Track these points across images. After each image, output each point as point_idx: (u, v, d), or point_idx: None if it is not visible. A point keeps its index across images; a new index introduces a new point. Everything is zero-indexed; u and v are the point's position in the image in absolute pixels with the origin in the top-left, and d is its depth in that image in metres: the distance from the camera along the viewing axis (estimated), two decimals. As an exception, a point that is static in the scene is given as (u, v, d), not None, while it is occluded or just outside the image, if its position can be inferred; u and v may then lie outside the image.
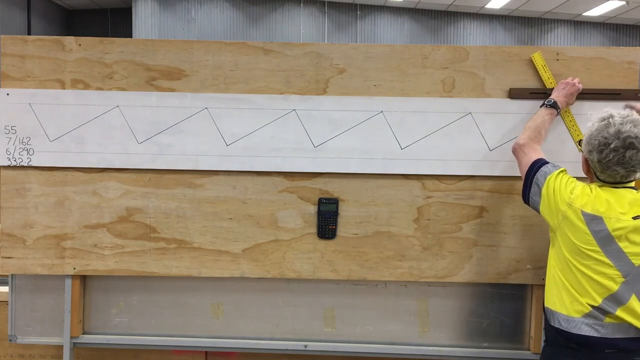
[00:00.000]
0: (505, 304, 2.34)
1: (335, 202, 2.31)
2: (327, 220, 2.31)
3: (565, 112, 2.22)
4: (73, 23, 14.82)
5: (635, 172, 1.78)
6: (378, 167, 2.29)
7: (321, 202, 2.31)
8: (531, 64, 2.26)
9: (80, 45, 2.30)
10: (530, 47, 2.28)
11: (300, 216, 2.33)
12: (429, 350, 2.37)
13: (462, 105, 2.27)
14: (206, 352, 2.57)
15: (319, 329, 2.41)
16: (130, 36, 11.22)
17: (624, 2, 12.30)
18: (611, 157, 1.76)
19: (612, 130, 1.75)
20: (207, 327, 2.43)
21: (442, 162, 2.28)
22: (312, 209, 2.32)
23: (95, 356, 2.55)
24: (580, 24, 14.11)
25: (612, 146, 1.75)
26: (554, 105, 2.13)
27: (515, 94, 2.25)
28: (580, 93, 2.19)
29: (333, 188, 2.32)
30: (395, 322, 2.39)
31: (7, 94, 2.31)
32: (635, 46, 2.80)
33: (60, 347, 2.42)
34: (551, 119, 2.13)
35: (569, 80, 2.18)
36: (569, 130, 2.22)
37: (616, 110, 1.80)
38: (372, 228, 2.32)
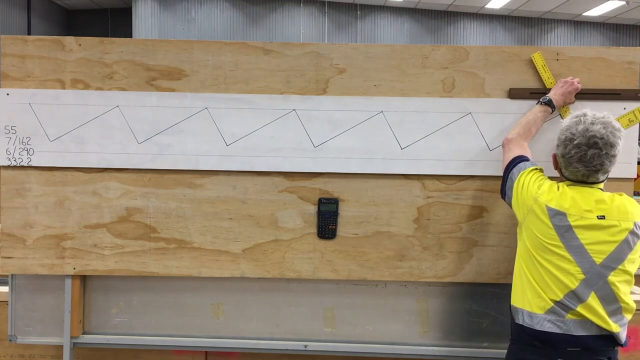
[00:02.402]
0: (505, 304, 2.33)
1: (335, 202, 2.31)
2: (327, 220, 2.30)
3: (565, 111, 2.22)
4: (73, 23, 14.82)
5: (596, 172, 1.79)
6: (378, 167, 2.29)
7: (321, 202, 2.31)
8: (531, 64, 2.26)
9: (80, 45, 2.30)
10: (530, 47, 2.28)
11: (300, 216, 2.32)
12: (429, 350, 2.37)
13: (462, 105, 2.27)
14: (206, 352, 2.57)
15: (319, 329, 2.41)
16: (130, 36, 11.22)
17: (624, 2, 12.31)
18: (573, 153, 1.79)
19: (580, 127, 1.78)
20: (207, 327, 2.43)
21: (442, 162, 2.28)
22: (312, 209, 2.32)
23: (95, 356, 2.55)
24: (580, 24, 14.12)
25: (575, 142, 1.78)
26: (548, 103, 2.14)
27: (515, 94, 2.25)
28: (580, 93, 2.20)
29: (333, 188, 2.32)
30: (395, 322, 2.39)
31: (7, 94, 2.31)
32: (635, 46, 2.79)
33: (60, 347, 2.42)
34: (544, 116, 2.15)
35: (568, 79, 2.18)
36: (569, 130, 2.22)
37: (593, 111, 1.82)
38: (372, 228, 2.32)
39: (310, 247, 2.33)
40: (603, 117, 1.79)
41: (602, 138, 1.75)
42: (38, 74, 2.32)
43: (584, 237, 1.76)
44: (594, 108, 1.86)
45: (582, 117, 1.80)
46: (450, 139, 2.27)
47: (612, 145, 1.76)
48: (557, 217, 1.79)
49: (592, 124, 1.77)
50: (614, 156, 1.78)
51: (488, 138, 2.26)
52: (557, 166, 1.93)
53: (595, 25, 14.19)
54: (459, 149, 2.27)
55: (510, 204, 1.99)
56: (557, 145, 1.86)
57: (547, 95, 2.17)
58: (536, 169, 1.95)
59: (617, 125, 1.79)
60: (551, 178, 1.93)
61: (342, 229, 2.32)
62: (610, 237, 1.75)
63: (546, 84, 2.24)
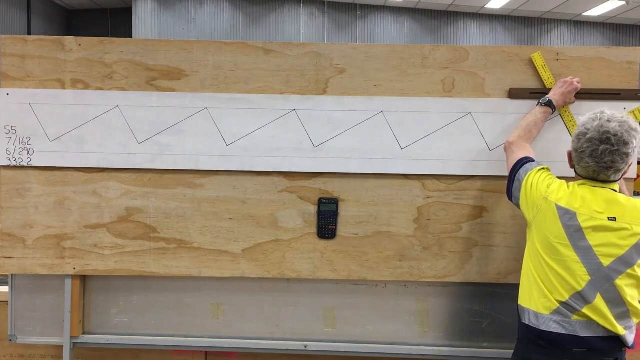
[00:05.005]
0: (505, 304, 2.34)
1: (335, 202, 2.31)
2: (327, 220, 2.30)
3: (565, 111, 2.22)
4: (73, 23, 14.82)
5: (607, 169, 1.77)
6: (378, 167, 2.28)
7: (321, 202, 2.31)
8: (531, 64, 2.26)
9: (80, 45, 2.31)
10: (530, 47, 2.28)
11: (300, 216, 2.32)
12: (429, 350, 2.37)
13: (462, 105, 2.27)
14: (206, 352, 2.57)
15: (319, 329, 2.41)
16: (130, 36, 11.23)
17: (624, 2, 12.31)
18: (585, 147, 1.78)
19: (595, 123, 1.77)
20: (207, 327, 2.43)
21: (442, 162, 2.28)
22: (312, 209, 2.32)
23: (95, 356, 2.55)
24: (580, 24, 14.11)
25: (588, 136, 1.77)
26: (548, 104, 2.14)
27: (515, 94, 2.25)
28: (580, 93, 2.20)
29: (333, 188, 2.32)
30: (395, 322, 2.39)
31: (7, 94, 2.31)
32: (635, 46, 2.80)
33: (60, 347, 2.42)
34: (545, 117, 2.14)
35: (568, 79, 2.18)
36: (568, 130, 2.22)
37: (612, 110, 1.81)
38: (372, 228, 2.32)
39: (310, 247, 2.33)
40: (621, 117, 1.77)
41: (615, 135, 1.73)
42: (38, 74, 2.32)
43: (592, 238, 1.75)
44: (593, 108, 1.86)
45: (599, 114, 1.79)
46: (450, 139, 2.27)
47: (625, 143, 1.74)
48: (567, 216, 1.78)
49: (609, 121, 1.75)
50: (626, 154, 1.75)
51: (488, 138, 2.26)
52: (572, 164, 1.91)
53: (595, 25, 14.18)
54: (459, 149, 2.27)
55: (518, 205, 1.98)
56: (572, 141, 1.85)
57: (547, 96, 2.17)
58: (543, 168, 1.94)
59: (635, 125, 1.77)
60: (563, 178, 1.92)
61: (342, 229, 2.32)
62: (621, 241, 1.73)
63: (546, 84, 2.24)
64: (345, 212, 2.32)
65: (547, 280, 1.81)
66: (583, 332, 1.75)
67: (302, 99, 2.29)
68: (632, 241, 1.73)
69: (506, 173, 2.04)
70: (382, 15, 13.87)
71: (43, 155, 2.32)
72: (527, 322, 1.85)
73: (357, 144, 2.28)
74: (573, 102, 2.21)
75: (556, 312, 1.78)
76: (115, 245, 2.35)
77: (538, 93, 2.22)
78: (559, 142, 2.22)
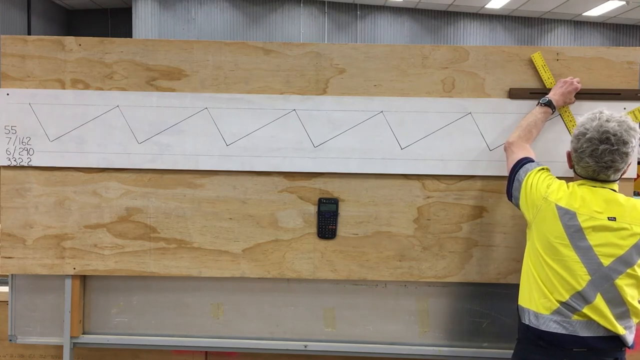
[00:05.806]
0: (505, 304, 2.34)
1: (335, 202, 2.31)
2: (327, 220, 2.31)
3: (565, 111, 2.22)
4: (73, 23, 14.83)
5: (607, 169, 1.78)
6: (378, 167, 2.29)
7: (321, 202, 2.31)
8: (531, 64, 2.26)
9: (80, 45, 2.31)
10: (530, 47, 2.28)
11: (300, 216, 2.33)
12: (429, 350, 2.37)
13: (462, 105, 2.27)
14: (206, 352, 2.57)
15: (319, 329, 2.41)
16: (130, 36, 11.23)
17: (624, 2, 12.31)
18: (585, 147, 1.78)
19: (595, 123, 1.78)
20: (207, 327, 2.43)
21: (442, 162, 2.28)
22: (312, 209, 2.32)
23: (95, 356, 2.55)
24: (580, 24, 14.12)
25: (587, 136, 1.78)
26: (548, 104, 2.14)
27: (515, 94, 2.25)
28: (580, 93, 2.20)
29: (333, 188, 2.32)
30: (395, 322, 2.39)
31: (7, 94, 2.31)
32: (635, 46, 2.80)
33: (60, 347, 2.42)
34: (545, 117, 2.14)
35: (567, 79, 2.18)
36: (568, 130, 2.22)
37: (611, 111, 1.81)
38: (372, 228, 2.32)
39: (310, 247, 2.33)
40: (620, 117, 1.78)
41: (615, 134, 1.74)
42: (38, 74, 2.32)
43: (592, 238, 1.75)
44: (593, 108, 1.86)
45: (598, 114, 1.80)
46: (450, 139, 2.27)
47: (624, 143, 1.75)
48: (567, 217, 1.78)
49: (607, 121, 1.76)
50: (625, 154, 1.76)
51: (488, 138, 2.26)
52: (571, 164, 1.92)
53: (595, 25, 14.19)
54: (459, 149, 2.27)
55: (517, 206, 1.98)
56: (571, 141, 1.86)
57: (547, 96, 2.17)
58: (543, 168, 1.95)
59: (633, 125, 1.78)
60: (563, 178, 1.93)
61: (342, 229, 2.32)
62: (620, 241, 1.73)
63: (546, 84, 2.24)
64: (345, 212, 2.32)
65: (547, 280, 1.81)
66: (583, 332, 1.75)
67: (302, 99, 2.29)
68: (632, 241, 1.73)
69: (506, 173, 2.04)
70: (382, 15, 13.88)
71: (43, 155, 2.32)
72: (527, 322, 1.85)
73: (357, 144, 2.28)
74: (573, 102, 2.21)
75: (556, 312, 1.78)
76: (115, 245, 2.35)
77: (538, 93, 2.22)
78: (559, 142, 2.22)
